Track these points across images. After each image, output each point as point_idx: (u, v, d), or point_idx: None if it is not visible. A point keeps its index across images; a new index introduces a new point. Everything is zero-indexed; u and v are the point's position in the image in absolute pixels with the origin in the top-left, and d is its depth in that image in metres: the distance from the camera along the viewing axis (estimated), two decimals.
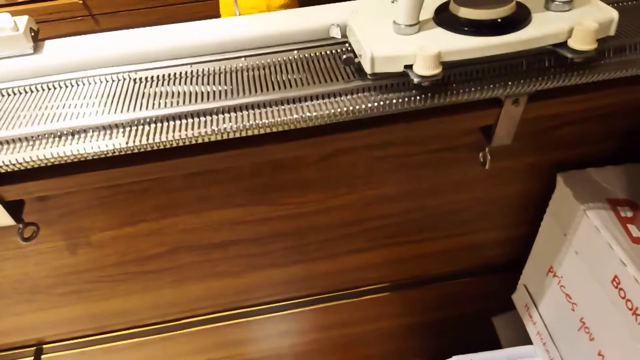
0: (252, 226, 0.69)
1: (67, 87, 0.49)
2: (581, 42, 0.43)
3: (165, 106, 0.46)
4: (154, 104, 0.46)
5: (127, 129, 0.45)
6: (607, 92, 0.54)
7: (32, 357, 0.79)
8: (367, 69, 0.44)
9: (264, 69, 0.50)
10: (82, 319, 0.78)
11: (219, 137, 0.45)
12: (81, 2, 1.48)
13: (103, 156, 0.44)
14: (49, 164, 0.44)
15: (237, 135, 0.44)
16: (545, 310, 0.75)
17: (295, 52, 0.51)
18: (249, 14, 1.12)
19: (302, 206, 0.68)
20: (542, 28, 0.44)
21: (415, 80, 0.42)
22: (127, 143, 0.43)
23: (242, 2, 1.26)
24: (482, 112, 0.53)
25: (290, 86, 0.47)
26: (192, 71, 0.50)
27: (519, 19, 0.45)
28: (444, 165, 0.67)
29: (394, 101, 0.46)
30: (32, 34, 0.50)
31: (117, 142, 0.43)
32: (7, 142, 0.44)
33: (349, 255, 0.77)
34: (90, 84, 0.49)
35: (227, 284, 0.77)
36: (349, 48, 0.50)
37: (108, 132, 0.45)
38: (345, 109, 0.45)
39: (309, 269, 0.78)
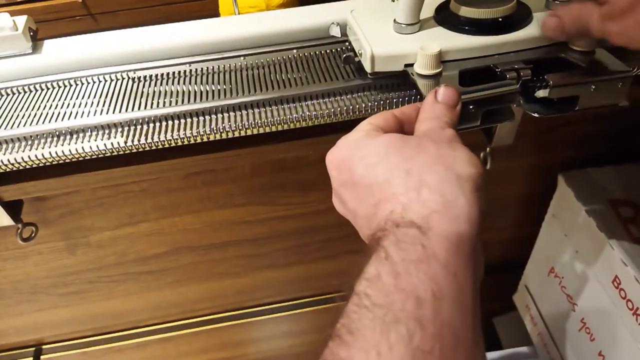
0: (252, 226, 0.69)
1: (65, 86, 0.49)
2: (581, 42, 0.43)
3: (164, 105, 0.46)
4: (152, 103, 0.46)
5: (126, 128, 0.44)
6: None
7: (32, 358, 0.79)
8: (367, 68, 0.44)
9: (263, 68, 0.49)
10: (82, 320, 0.78)
11: (218, 137, 0.44)
12: (80, 1, 1.48)
13: (102, 156, 0.44)
14: (47, 164, 0.44)
15: (237, 134, 0.44)
16: (546, 311, 0.74)
17: (295, 51, 0.51)
18: (248, 12, 1.11)
19: (303, 206, 0.68)
20: None
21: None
22: (125, 142, 0.43)
23: (241, 1, 1.25)
24: None
25: (290, 85, 0.47)
26: (191, 70, 0.50)
27: (519, 19, 0.45)
28: None
29: (395, 100, 0.45)
30: (31, 33, 0.49)
31: (115, 142, 0.43)
32: (6, 142, 0.44)
33: (349, 256, 0.76)
34: (89, 83, 0.49)
35: (228, 284, 0.77)
36: (349, 47, 0.50)
37: (107, 131, 0.44)
38: (345, 108, 0.45)
39: (309, 269, 0.78)
